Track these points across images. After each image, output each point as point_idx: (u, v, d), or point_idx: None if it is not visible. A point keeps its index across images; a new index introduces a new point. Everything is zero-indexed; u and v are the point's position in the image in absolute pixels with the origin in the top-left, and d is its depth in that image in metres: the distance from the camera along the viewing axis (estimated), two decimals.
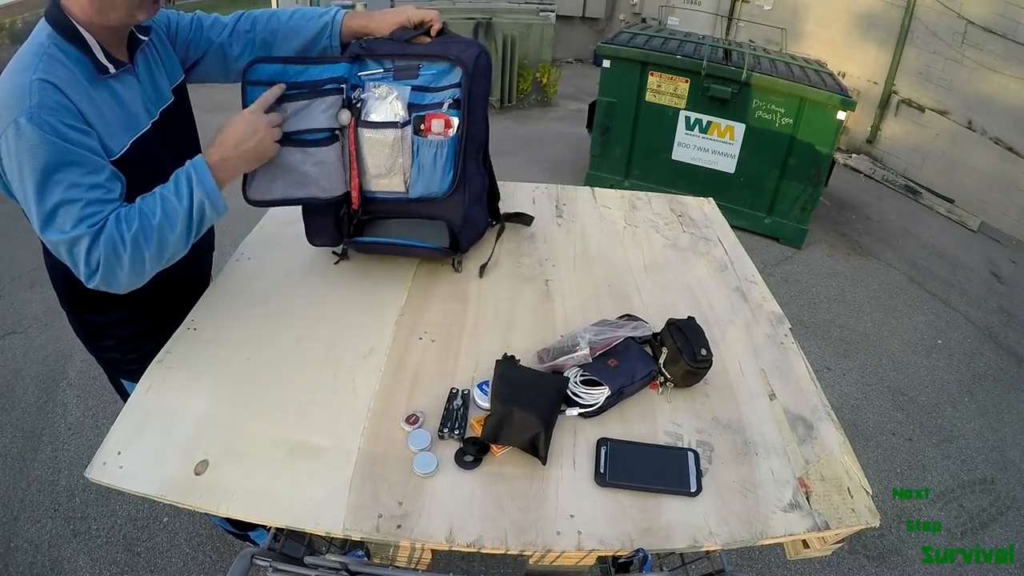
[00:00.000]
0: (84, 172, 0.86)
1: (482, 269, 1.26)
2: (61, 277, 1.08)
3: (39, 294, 2.75)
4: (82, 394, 2.25)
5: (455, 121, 1.09)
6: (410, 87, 1.09)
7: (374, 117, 1.08)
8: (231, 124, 0.98)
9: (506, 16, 5.95)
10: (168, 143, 1.05)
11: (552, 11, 6.83)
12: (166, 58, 1.09)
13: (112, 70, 0.93)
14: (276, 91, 1.03)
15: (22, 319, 2.66)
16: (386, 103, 1.08)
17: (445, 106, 1.09)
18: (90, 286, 0.90)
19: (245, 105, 1.05)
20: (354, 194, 1.12)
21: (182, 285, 1.17)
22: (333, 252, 1.28)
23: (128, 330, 1.08)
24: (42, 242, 1.05)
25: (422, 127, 1.09)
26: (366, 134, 1.08)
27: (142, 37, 1.00)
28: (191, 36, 1.15)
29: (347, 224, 1.18)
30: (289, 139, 1.07)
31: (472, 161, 1.19)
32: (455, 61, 1.09)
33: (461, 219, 1.18)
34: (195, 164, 0.94)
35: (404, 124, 1.08)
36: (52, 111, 0.83)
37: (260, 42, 1.16)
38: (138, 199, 0.92)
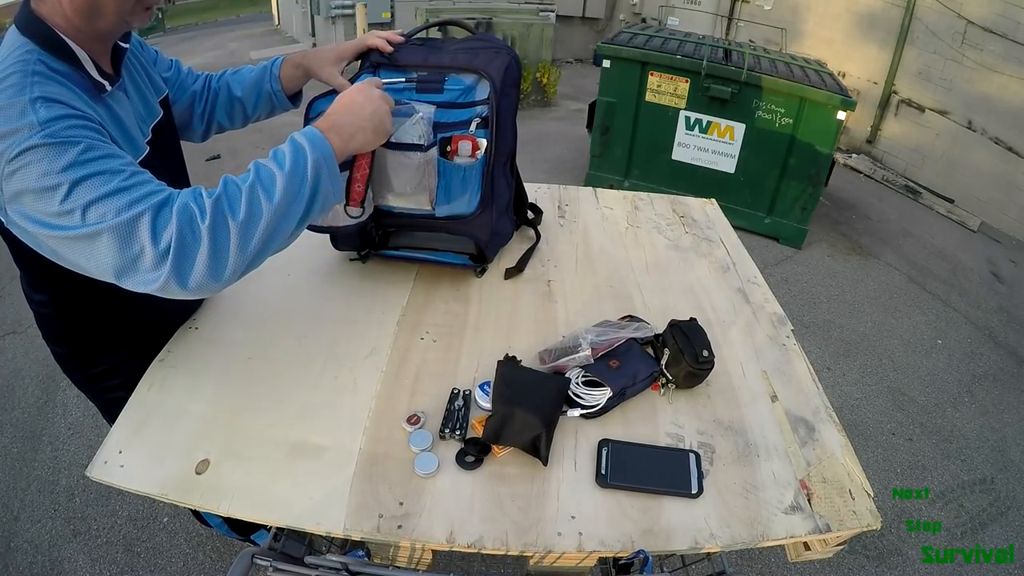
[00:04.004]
0: (121, 162, 0.74)
1: (507, 272, 1.24)
2: (57, 316, 1.00)
3: None
4: (82, 394, 2.23)
5: (483, 143, 1.04)
6: (435, 106, 1.05)
7: (398, 138, 1.02)
8: (341, 96, 0.91)
9: (506, 16, 5.95)
10: (162, 162, 0.98)
11: (552, 11, 6.85)
12: (147, 69, 1.01)
13: (108, 87, 0.83)
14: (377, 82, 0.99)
15: (22, 319, 2.66)
16: (410, 123, 1.03)
17: (473, 126, 1.05)
18: (153, 286, 0.73)
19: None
20: (354, 202, 1.01)
21: (177, 323, 1.10)
22: (351, 259, 1.25)
23: (134, 366, 1.03)
24: (25, 290, 0.99)
25: (448, 148, 1.05)
26: (390, 154, 1.03)
27: (124, 45, 0.90)
28: (170, 75, 1.11)
29: (373, 235, 1.16)
30: None
31: (500, 175, 1.15)
32: (483, 74, 1.05)
33: (488, 235, 1.15)
34: (304, 130, 0.83)
35: (429, 147, 1.03)
36: (60, 120, 0.71)
37: (213, 96, 1.17)
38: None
